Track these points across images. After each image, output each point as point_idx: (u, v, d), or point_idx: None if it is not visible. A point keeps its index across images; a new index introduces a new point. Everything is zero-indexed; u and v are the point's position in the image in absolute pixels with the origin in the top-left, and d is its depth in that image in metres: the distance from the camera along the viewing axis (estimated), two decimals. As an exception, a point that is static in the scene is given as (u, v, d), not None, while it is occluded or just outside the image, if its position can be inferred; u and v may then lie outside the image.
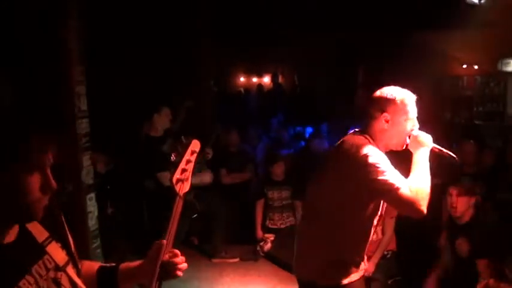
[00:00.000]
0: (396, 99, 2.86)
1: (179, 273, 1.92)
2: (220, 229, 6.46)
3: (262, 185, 6.64)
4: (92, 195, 5.04)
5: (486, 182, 5.56)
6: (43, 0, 4.60)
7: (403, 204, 2.69)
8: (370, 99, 2.96)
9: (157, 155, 5.58)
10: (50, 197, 1.51)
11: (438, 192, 5.61)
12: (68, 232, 1.76)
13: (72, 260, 1.70)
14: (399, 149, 2.95)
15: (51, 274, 1.58)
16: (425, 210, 2.66)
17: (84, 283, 1.74)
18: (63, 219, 1.77)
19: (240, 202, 6.95)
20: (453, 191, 4.39)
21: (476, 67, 12.29)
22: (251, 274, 6.10)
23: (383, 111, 2.86)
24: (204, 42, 9.24)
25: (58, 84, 4.74)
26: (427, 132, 2.94)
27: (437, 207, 5.63)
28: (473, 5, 4.35)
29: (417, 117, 2.95)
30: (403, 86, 3.01)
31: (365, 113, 2.95)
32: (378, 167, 2.67)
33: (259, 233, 6.51)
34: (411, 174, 2.77)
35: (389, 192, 2.65)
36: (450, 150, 2.94)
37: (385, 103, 2.87)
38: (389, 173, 2.67)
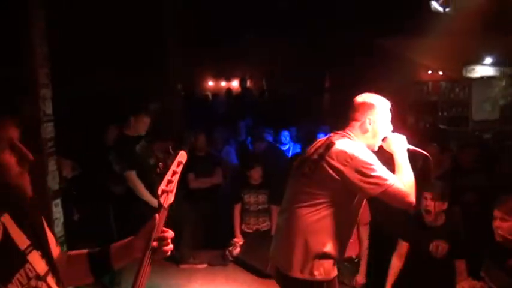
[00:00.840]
0: (378, 105, 3.12)
1: (170, 248, 1.92)
2: (187, 235, 6.41)
3: (239, 189, 6.61)
4: (58, 201, 4.95)
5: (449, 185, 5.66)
6: (6, 2, 4.51)
7: (397, 198, 2.90)
8: (353, 104, 3.17)
9: (129, 152, 5.53)
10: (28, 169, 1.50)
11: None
12: (47, 239, 1.74)
13: (52, 268, 1.67)
14: (375, 149, 3.16)
15: (32, 283, 1.56)
16: (413, 201, 2.93)
17: (73, 273, 1.79)
18: (44, 225, 1.76)
19: (208, 207, 6.89)
20: (428, 194, 4.44)
21: (441, 73, 12.52)
22: (220, 279, 6.08)
23: (367, 115, 3.08)
24: (172, 46, 9.20)
25: (23, 87, 4.64)
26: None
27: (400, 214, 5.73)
28: (439, 13, 4.42)
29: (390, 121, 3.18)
30: (370, 91, 3.15)
31: (348, 117, 3.16)
32: (372, 165, 2.90)
33: (238, 237, 6.49)
34: (398, 171, 3.02)
35: (385, 187, 2.86)
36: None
37: (368, 108, 3.10)
38: (382, 171, 2.91)
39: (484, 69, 12.23)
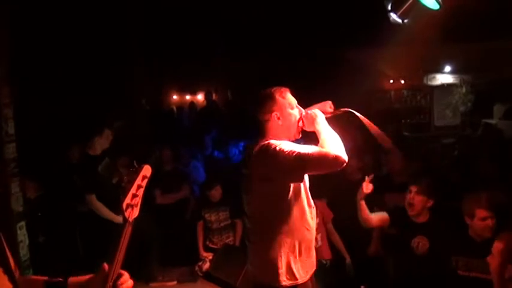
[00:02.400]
0: (276, 96, 3.10)
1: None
2: (155, 252, 6.33)
3: (200, 208, 6.54)
4: (23, 223, 4.85)
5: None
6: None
7: (321, 162, 2.84)
8: (254, 107, 3.15)
9: (91, 174, 5.46)
10: None
11: (368, 203, 5.80)
12: (8, 256, 1.73)
13: (14, 286, 1.67)
14: (298, 136, 3.18)
15: None
16: (343, 157, 2.84)
17: None
18: (3, 241, 1.74)
19: (176, 222, 6.82)
20: (413, 188, 4.52)
21: (403, 82, 12.76)
22: (190, 296, 6.03)
23: (271, 111, 3.07)
24: (135, 61, 9.15)
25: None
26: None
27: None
28: (398, 24, 4.50)
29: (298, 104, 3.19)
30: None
31: (256, 122, 3.15)
32: (284, 148, 2.85)
33: (202, 253, 6.41)
34: (320, 141, 2.97)
35: (304, 158, 2.81)
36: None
37: (270, 103, 3.08)
38: (296, 147, 2.86)
39: (444, 77, 12.53)
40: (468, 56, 11.50)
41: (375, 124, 3.36)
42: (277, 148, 2.87)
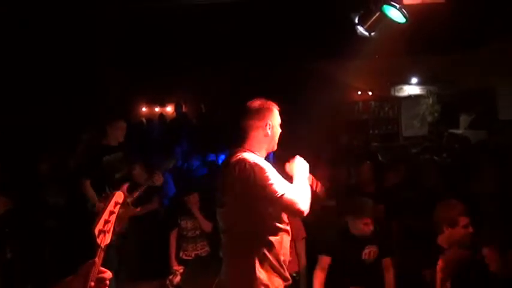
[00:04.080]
0: (273, 107, 3.27)
1: None
2: (126, 265, 6.26)
3: (176, 215, 6.45)
4: (-11, 239, 4.76)
5: (386, 202, 5.84)
6: None
7: (287, 207, 3.02)
8: (249, 112, 3.23)
9: (92, 160, 5.42)
10: None
11: (333, 213, 5.87)
12: None
13: None
14: (274, 149, 3.35)
15: None
16: (305, 212, 3.03)
17: None
18: None
19: (147, 235, 6.75)
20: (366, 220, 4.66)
21: (370, 93, 12.93)
22: (160, 310, 5.96)
23: (266, 120, 3.20)
24: (103, 72, 9.08)
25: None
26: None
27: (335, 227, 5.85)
28: (365, 37, 4.58)
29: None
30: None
31: (244, 127, 3.23)
32: (264, 176, 2.98)
33: (174, 264, 6.32)
34: (294, 183, 3.14)
35: (275, 197, 2.95)
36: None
37: (266, 112, 3.22)
38: (275, 180, 3.00)
39: (411, 88, 12.75)
40: (434, 67, 11.74)
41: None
42: (256, 171, 2.98)
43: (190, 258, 6.30)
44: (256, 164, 3.01)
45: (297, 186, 3.12)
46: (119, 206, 2.02)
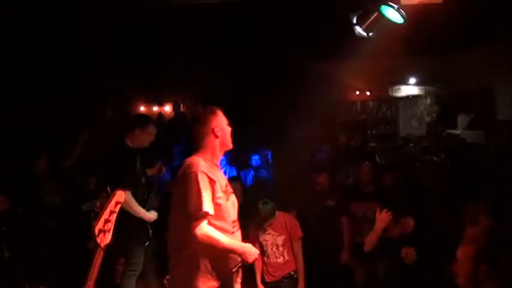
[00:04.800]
0: (217, 112, 3.46)
1: None
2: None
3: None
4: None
5: (383, 202, 5.82)
6: None
7: (189, 228, 3.08)
8: (198, 121, 3.47)
9: (130, 168, 5.23)
10: None
11: (333, 213, 5.87)
12: None
13: None
14: (229, 148, 3.51)
15: None
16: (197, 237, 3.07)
17: None
18: None
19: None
20: None
21: (368, 93, 12.93)
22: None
23: (212, 125, 3.38)
24: (100, 72, 9.05)
25: None
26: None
27: (334, 227, 5.86)
28: (364, 37, 4.58)
29: None
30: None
31: (197, 135, 3.43)
32: (195, 189, 3.12)
33: None
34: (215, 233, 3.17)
35: (190, 210, 3.10)
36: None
37: (212, 118, 3.41)
38: (198, 196, 3.10)
39: (409, 88, 12.74)
40: (432, 68, 11.75)
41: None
42: (193, 182, 3.13)
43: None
44: (197, 173, 3.15)
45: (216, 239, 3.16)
46: (119, 205, 2.02)
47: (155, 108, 15.09)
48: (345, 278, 5.72)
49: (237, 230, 3.42)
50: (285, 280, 5.37)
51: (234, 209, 3.44)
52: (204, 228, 3.10)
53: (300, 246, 5.44)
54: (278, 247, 5.37)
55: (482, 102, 11.23)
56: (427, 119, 12.07)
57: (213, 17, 8.40)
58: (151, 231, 5.27)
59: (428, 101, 12.01)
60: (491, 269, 3.08)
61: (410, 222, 4.71)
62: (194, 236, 3.06)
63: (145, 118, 5.77)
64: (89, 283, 1.84)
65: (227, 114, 3.55)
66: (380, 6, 4.40)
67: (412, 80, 12.62)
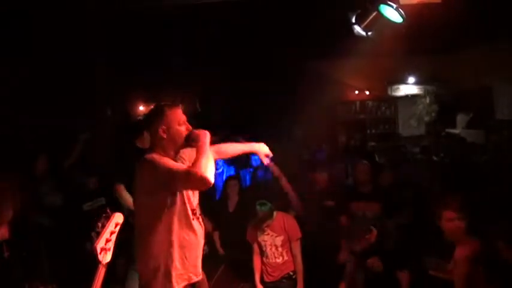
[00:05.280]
0: (163, 112, 3.36)
1: None
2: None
3: None
4: (-14, 238, 4.72)
5: (382, 202, 5.83)
6: None
7: (188, 179, 3.09)
8: (145, 122, 3.57)
9: (128, 164, 5.25)
10: None
11: (333, 213, 5.87)
12: None
13: None
14: (182, 148, 3.42)
15: None
16: (210, 180, 3.07)
17: None
18: None
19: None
20: None
21: (367, 93, 12.93)
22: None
23: (159, 125, 3.32)
24: (99, 71, 9.03)
25: None
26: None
27: (333, 227, 5.86)
28: (362, 36, 4.58)
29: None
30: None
31: (147, 133, 3.55)
32: (162, 163, 3.16)
33: None
34: (195, 158, 3.19)
35: (175, 175, 3.12)
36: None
37: (159, 118, 3.34)
38: (171, 164, 3.19)
39: (408, 87, 12.74)
40: (431, 67, 11.75)
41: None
42: (156, 163, 3.18)
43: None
44: (156, 158, 3.23)
45: (198, 157, 3.19)
46: (119, 226, 2.16)
47: (154, 108, 15.09)
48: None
49: (196, 219, 3.43)
50: (284, 280, 5.36)
51: (194, 196, 3.45)
52: (194, 168, 3.11)
53: (299, 247, 5.43)
54: (277, 247, 5.36)
55: (482, 101, 11.23)
56: (426, 118, 12.08)
57: (213, 17, 8.39)
58: None
59: (428, 100, 12.03)
60: (488, 270, 3.08)
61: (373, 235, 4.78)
62: (200, 179, 3.05)
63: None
64: None
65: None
66: (379, 5, 4.41)
67: (411, 80, 12.62)
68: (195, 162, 3.14)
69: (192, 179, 3.06)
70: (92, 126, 7.98)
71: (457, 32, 8.80)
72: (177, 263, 3.24)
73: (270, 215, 5.34)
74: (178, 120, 3.36)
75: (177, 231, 3.27)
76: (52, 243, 5.59)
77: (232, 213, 6.34)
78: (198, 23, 8.92)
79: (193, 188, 3.33)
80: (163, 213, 3.21)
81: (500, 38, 9.32)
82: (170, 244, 3.23)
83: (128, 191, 5.19)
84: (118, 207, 5.21)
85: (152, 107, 3.48)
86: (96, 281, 1.92)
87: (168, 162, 3.21)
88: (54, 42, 7.95)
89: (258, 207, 5.34)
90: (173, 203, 3.25)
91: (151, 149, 3.36)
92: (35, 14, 7.30)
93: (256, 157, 8.68)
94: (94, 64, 8.91)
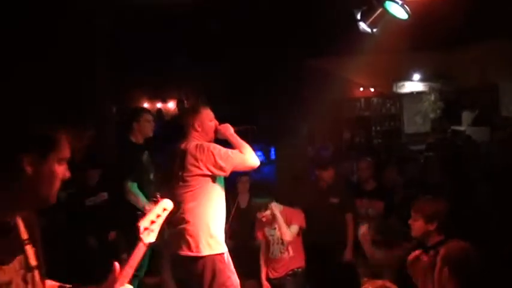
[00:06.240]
0: (199, 110, 4.05)
1: None
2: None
3: None
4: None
5: (385, 200, 5.82)
6: None
7: (241, 163, 3.80)
8: (185, 118, 4.07)
9: (135, 162, 5.26)
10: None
11: (337, 211, 5.86)
12: (38, 239, 1.87)
13: (39, 264, 1.81)
14: (212, 141, 3.99)
15: (22, 272, 1.72)
16: (256, 162, 3.86)
17: None
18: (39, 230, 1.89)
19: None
20: None
21: (372, 90, 12.92)
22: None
23: (193, 121, 3.98)
24: (103, 67, 9.04)
25: None
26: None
27: (338, 225, 5.86)
28: (368, 33, 4.56)
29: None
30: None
31: (184, 126, 4.00)
32: (218, 149, 3.80)
33: None
34: (235, 147, 3.89)
35: (232, 158, 3.77)
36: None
37: (194, 116, 4.00)
38: (225, 150, 3.82)
39: (413, 84, 12.72)
40: (436, 64, 11.71)
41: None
42: (212, 148, 3.77)
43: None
44: (212, 145, 3.84)
45: (239, 148, 3.88)
46: (166, 212, 2.21)
47: (159, 105, 15.13)
48: (349, 275, 5.70)
49: None
50: (288, 277, 5.35)
51: None
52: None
53: (297, 229, 5.40)
54: (283, 242, 5.36)
55: (487, 98, 11.21)
56: (432, 115, 12.06)
57: (218, 13, 8.39)
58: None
59: (433, 97, 12.00)
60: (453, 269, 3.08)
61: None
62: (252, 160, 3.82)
63: (136, 110, 5.90)
64: (128, 270, 2.02)
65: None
66: (384, 2, 4.38)
67: (417, 77, 12.59)
68: (240, 149, 3.83)
69: (244, 162, 3.79)
70: (96, 123, 8.00)
71: (463, 29, 8.75)
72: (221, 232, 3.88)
73: (263, 206, 5.30)
74: (210, 117, 4.03)
75: (220, 209, 3.92)
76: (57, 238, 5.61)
77: (244, 209, 6.30)
78: (204, 19, 8.92)
79: (245, 169, 4.02)
80: (213, 193, 3.84)
81: (506, 34, 9.28)
82: (218, 218, 3.89)
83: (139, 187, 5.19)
84: (121, 203, 5.24)
85: (189, 105, 3.85)
86: (132, 257, 2.04)
87: (223, 148, 3.81)
88: (57, 38, 7.96)
89: (252, 199, 5.48)
90: (219, 185, 3.89)
91: (187, 140, 3.90)
92: (38, 11, 7.31)
93: (259, 153, 8.69)
94: (98, 61, 8.92)
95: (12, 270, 1.67)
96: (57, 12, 7.33)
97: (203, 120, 3.99)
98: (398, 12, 4.37)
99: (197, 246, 3.74)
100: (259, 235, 5.52)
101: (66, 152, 1.77)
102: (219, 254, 3.79)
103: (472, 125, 11.28)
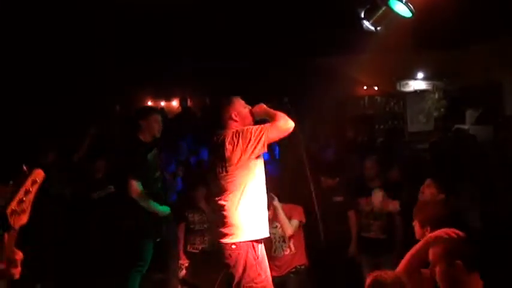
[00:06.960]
0: (232, 101, 4.21)
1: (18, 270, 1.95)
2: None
3: (183, 208, 6.45)
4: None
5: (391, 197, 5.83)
6: None
7: (280, 130, 3.94)
8: (219, 110, 4.23)
9: (140, 160, 5.25)
10: None
11: (342, 208, 5.88)
12: None
13: None
14: (251, 124, 4.15)
15: None
16: (291, 125, 3.95)
17: None
18: None
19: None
20: None
21: (376, 88, 12.90)
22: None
23: (230, 112, 4.14)
24: (107, 66, 9.06)
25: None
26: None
27: (343, 222, 5.87)
28: (371, 31, 4.57)
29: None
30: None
31: (220, 120, 4.17)
32: (256, 128, 3.94)
33: (183, 258, 6.32)
34: (271, 119, 4.03)
35: (267, 128, 3.91)
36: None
37: (229, 108, 4.17)
38: (260, 126, 3.99)
39: (417, 83, 12.70)
40: (440, 62, 11.68)
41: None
42: (246, 129, 3.94)
43: (196, 251, 6.30)
44: (245, 127, 3.99)
45: (273, 118, 4.01)
46: (37, 185, 1.95)
47: (163, 103, 15.13)
48: (352, 272, 5.72)
49: None
50: (291, 275, 5.37)
51: None
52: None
53: (297, 223, 5.44)
54: (284, 240, 5.38)
55: (491, 97, 11.19)
56: (435, 114, 12.04)
57: (221, 11, 8.39)
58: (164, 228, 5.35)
59: (436, 96, 11.98)
60: (466, 261, 3.05)
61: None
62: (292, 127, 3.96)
63: (145, 109, 5.90)
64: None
65: None
66: (388, 0, 4.40)
67: (420, 75, 12.57)
68: (275, 117, 3.97)
69: (279, 129, 3.92)
70: (101, 121, 8.02)
71: (467, 27, 8.75)
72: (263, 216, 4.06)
73: None
74: (243, 104, 4.24)
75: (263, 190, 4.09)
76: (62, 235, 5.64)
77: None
78: (208, 17, 8.93)
79: (282, 135, 4.00)
80: (259, 173, 4.04)
81: (510, 33, 9.27)
82: (263, 199, 4.07)
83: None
84: (126, 196, 5.24)
85: (221, 99, 4.30)
86: (7, 246, 1.86)
87: (257, 126, 3.97)
88: (63, 36, 7.98)
89: None
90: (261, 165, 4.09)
91: (225, 131, 4.04)
92: (43, 9, 7.34)
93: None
94: (103, 59, 8.94)
95: None
96: (61, 11, 7.36)
97: (238, 108, 4.19)
98: (403, 10, 4.38)
99: (237, 234, 3.89)
100: None
101: None
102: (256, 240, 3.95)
103: (475, 124, 11.27)
